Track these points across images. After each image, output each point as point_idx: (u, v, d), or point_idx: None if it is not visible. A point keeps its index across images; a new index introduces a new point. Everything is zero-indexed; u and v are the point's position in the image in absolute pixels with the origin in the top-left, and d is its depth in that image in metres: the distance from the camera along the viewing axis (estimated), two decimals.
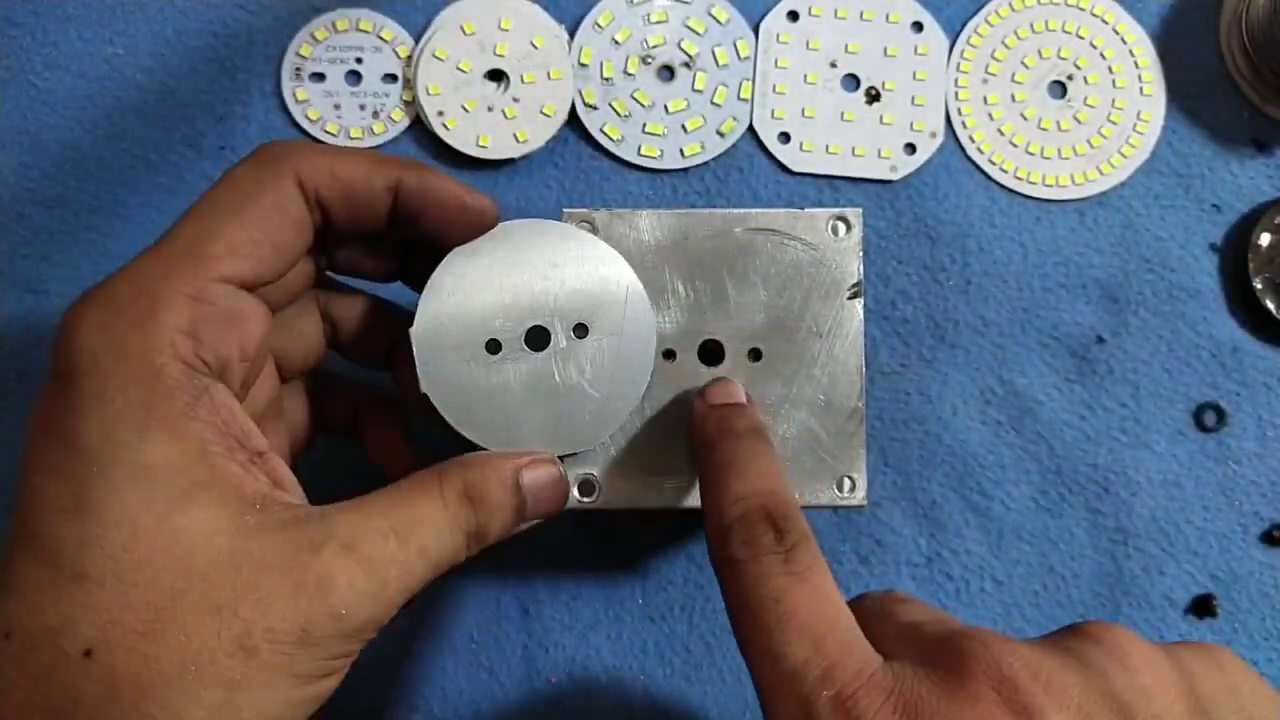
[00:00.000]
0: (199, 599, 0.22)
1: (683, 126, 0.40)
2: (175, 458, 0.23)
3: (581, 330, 0.30)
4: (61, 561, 0.22)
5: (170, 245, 0.24)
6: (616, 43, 0.40)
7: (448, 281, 0.29)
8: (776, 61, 0.40)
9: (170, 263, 0.24)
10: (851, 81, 0.41)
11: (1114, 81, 0.41)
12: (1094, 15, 0.41)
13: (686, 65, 0.40)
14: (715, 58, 0.40)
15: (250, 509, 0.23)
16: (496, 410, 0.29)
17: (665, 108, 0.40)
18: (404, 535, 0.25)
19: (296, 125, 0.40)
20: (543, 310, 0.29)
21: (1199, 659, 0.23)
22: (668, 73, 0.40)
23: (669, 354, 0.32)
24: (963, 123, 0.40)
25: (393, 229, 0.29)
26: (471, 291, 0.29)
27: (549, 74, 0.40)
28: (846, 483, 0.32)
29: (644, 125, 0.40)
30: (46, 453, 0.22)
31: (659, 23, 0.40)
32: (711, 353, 0.32)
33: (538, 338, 0.30)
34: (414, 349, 0.29)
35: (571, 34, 0.40)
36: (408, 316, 0.29)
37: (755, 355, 0.32)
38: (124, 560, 0.22)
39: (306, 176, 0.26)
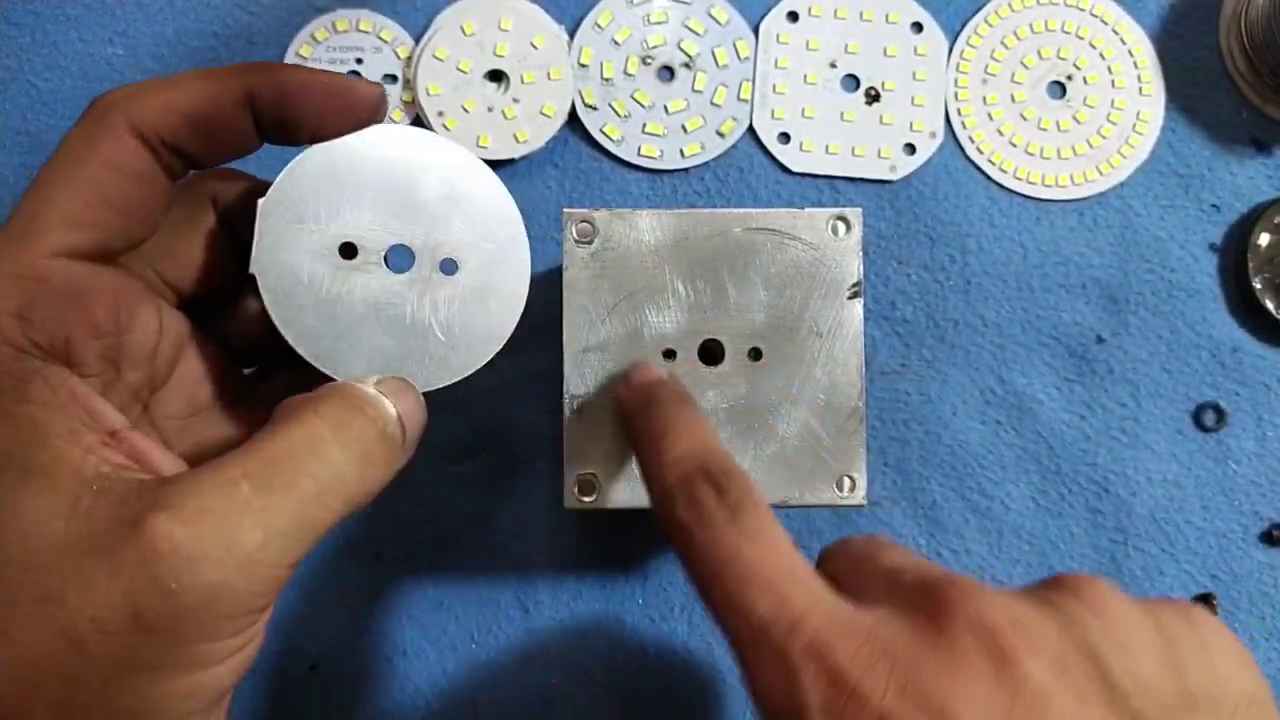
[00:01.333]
0: (32, 590, 0.20)
1: (683, 127, 0.40)
2: (5, 444, 0.21)
3: (450, 266, 0.26)
4: None
5: (3, 228, 0.22)
6: (616, 43, 0.40)
7: (320, 161, 0.25)
8: (776, 62, 0.40)
9: (1, 245, 0.22)
10: (851, 82, 0.41)
11: (1113, 82, 0.41)
12: (1093, 15, 0.41)
13: (686, 66, 0.40)
14: (715, 58, 0.40)
15: (87, 490, 0.21)
16: (327, 320, 0.25)
17: (665, 108, 0.40)
18: (261, 480, 0.21)
19: None
20: (415, 231, 0.26)
21: (1175, 617, 0.23)
22: (668, 73, 0.40)
23: (669, 354, 0.32)
24: (962, 123, 0.40)
25: (273, 140, 0.25)
26: (345, 181, 0.25)
27: (549, 74, 0.40)
28: (846, 482, 0.32)
29: (644, 125, 0.40)
30: None
31: (659, 23, 0.40)
32: (711, 353, 0.32)
33: (400, 258, 0.26)
34: (257, 218, 0.25)
35: (571, 34, 0.40)
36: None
37: (755, 355, 0.32)
38: None
39: (140, 121, 0.23)
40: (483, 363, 0.27)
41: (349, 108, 0.25)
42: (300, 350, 0.25)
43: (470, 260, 0.27)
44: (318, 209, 0.25)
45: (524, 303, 0.27)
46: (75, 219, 0.23)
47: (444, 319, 0.26)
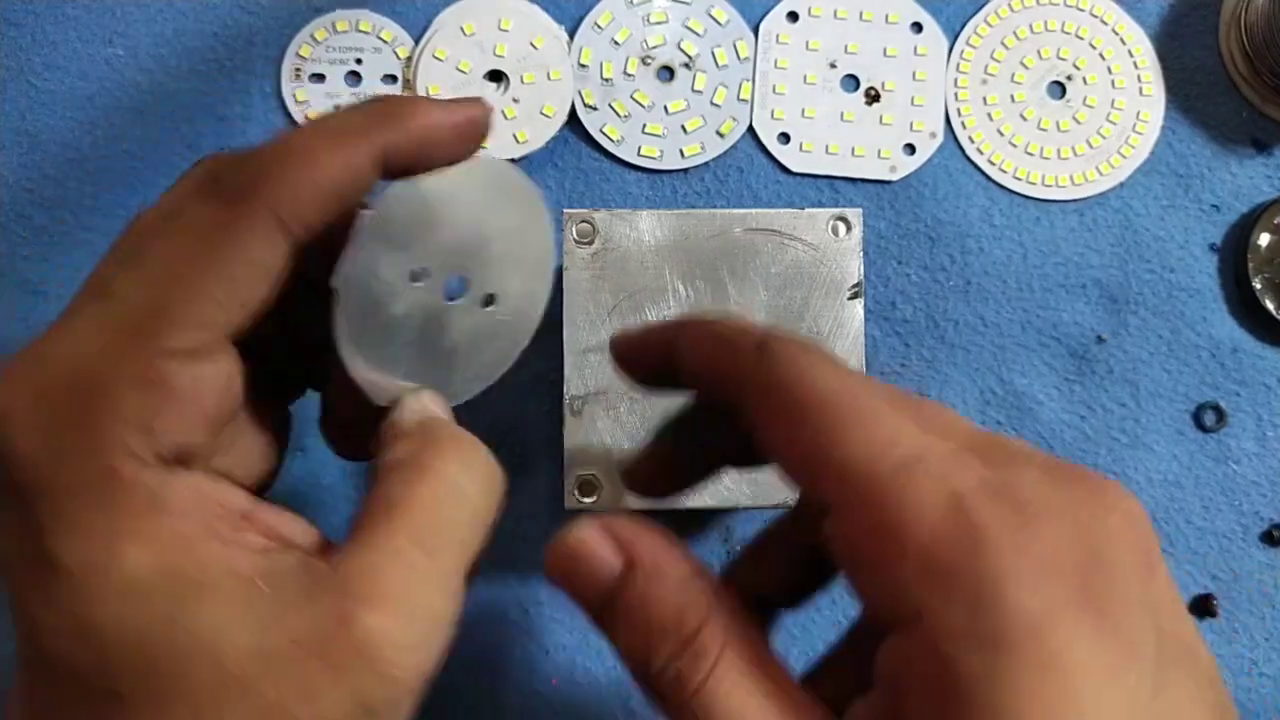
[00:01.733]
0: (246, 708, 0.20)
1: (682, 127, 0.40)
2: (154, 563, 0.20)
3: (489, 300, 0.26)
4: (92, 684, 0.20)
5: (114, 314, 0.20)
6: (616, 43, 0.40)
7: (429, 186, 0.24)
8: (776, 62, 0.40)
9: (115, 340, 0.20)
10: (851, 82, 0.41)
11: (1113, 82, 0.41)
12: (1093, 15, 0.41)
13: (686, 66, 0.40)
14: (715, 58, 0.40)
15: (254, 591, 0.20)
16: (383, 341, 0.25)
17: (665, 108, 0.40)
18: (427, 540, 0.21)
19: (296, 126, 0.40)
20: (478, 266, 0.26)
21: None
22: (667, 73, 0.40)
23: None
24: (962, 123, 0.40)
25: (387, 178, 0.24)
26: (438, 210, 0.25)
27: (549, 75, 0.40)
28: None
29: (644, 126, 0.40)
30: (32, 577, 0.20)
31: (659, 23, 0.40)
32: None
33: (456, 287, 0.26)
34: (352, 234, 0.23)
35: (571, 35, 0.40)
36: None
37: None
38: (152, 679, 0.20)
39: (289, 214, 0.21)
40: (460, 399, 0.27)
41: (472, 140, 0.24)
42: (353, 368, 0.25)
43: (510, 299, 0.27)
44: (408, 233, 0.24)
45: (529, 338, 0.27)
46: (205, 320, 0.21)
47: (470, 346, 0.26)
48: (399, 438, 0.23)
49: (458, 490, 0.22)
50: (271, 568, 0.21)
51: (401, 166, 0.23)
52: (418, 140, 0.23)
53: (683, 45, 0.40)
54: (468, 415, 0.39)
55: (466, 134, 0.24)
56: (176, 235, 0.20)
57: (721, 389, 0.23)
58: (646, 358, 0.25)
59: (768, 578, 0.24)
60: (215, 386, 0.21)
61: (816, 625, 0.39)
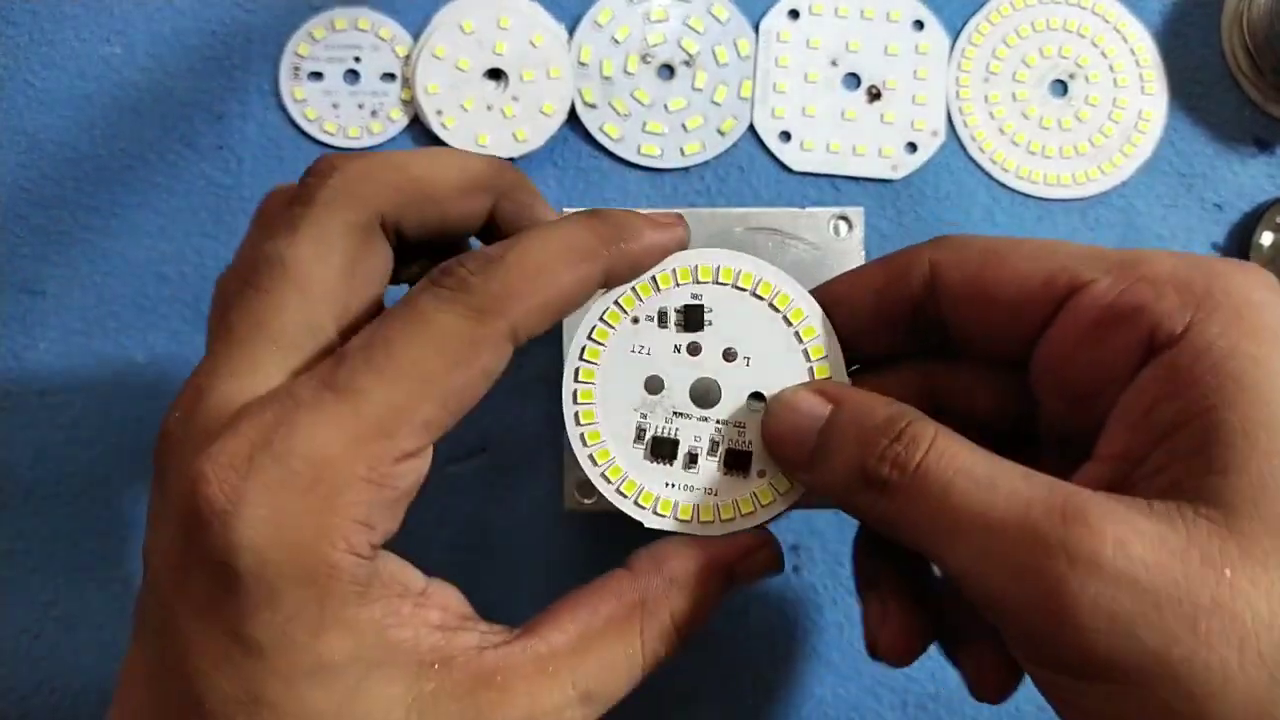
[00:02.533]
0: None
1: (683, 125, 0.40)
2: (351, 649, 0.21)
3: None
4: None
5: (360, 415, 0.21)
6: (616, 41, 0.40)
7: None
8: (777, 60, 0.40)
9: (357, 440, 0.21)
10: (852, 80, 0.41)
11: (1115, 80, 0.41)
12: (1095, 14, 0.41)
13: (687, 64, 0.40)
14: (715, 56, 0.40)
15: (426, 672, 0.21)
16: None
17: (665, 106, 0.40)
18: (590, 695, 0.23)
19: (295, 125, 0.40)
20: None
21: None
22: (668, 71, 0.40)
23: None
24: (964, 121, 0.40)
25: None
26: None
27: (548, 72, 0.40)
28: None
29: (644, 124, 0.40)
30: (215, 643, 0.20)
31: (659, 21, 0.40)
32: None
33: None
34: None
35: (571, 32, 0.40)
36: None
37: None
38: None
39: (522, 328, 0.22)
40: None
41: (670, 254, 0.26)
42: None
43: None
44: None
45: None
46: (435, 424, 0.22)
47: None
48: (652, 584, 0.25)
49: (638, 670, 0.24)
50: (446, 648, 0.22)
51: (615, 279, 0.25)
52: (633, 263, 0.25)
53: (683, 43, 0.40)
54: (468, 415, 0.39)
55: (668, 253, 0.25)
56: (425, 343, 0.21)
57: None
58: (887, 309, 0.26)
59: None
60: (421, 478, 0.22)
61: (817, 626, 0.39)
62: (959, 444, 0.22)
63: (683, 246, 0.26)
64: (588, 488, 0.31)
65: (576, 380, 0.26)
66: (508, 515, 0.39)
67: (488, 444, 0.39)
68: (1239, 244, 0.40)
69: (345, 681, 0.21)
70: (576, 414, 0.26)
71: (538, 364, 0.39)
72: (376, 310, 0.24)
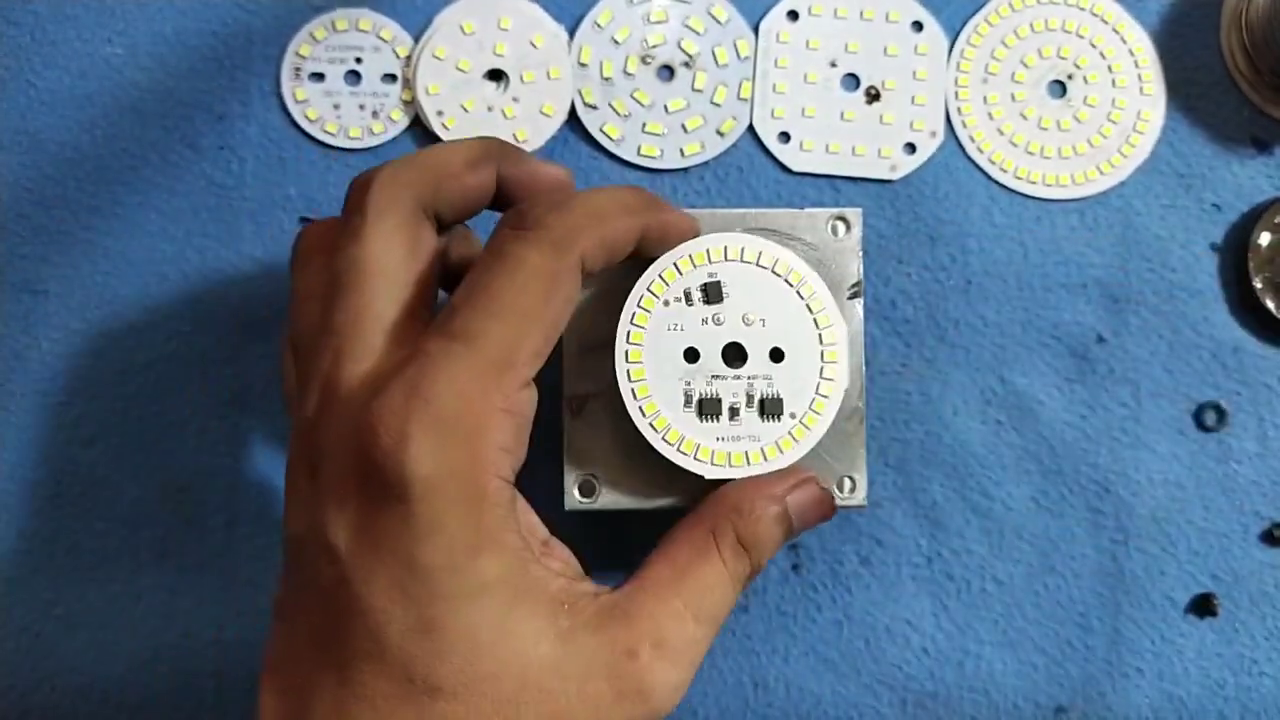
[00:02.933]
0: (536, 709, 0.23)
1: (682, 126, 0.40)
2: (502, 571, 0.24)
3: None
4: (414, 675, 0.23)
5: (482, 352, 0.24)
6: (616, 42, 0.40)
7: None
8: (776, 61, 0.40)
9: (487, 376, 0.24)
10: (851, 81, 0.41)
11: (1114, 81, 0.41)
12: (1094, 15, 0.41)
13: (686, 65, 0.40)
14: (715, 57, 0.40)
15: (561, 610, 0.24)
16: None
17: (665, 107, 0.40)
18: (699, 612, 0.26)
19: (296, 125, 0.40)
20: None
21: None
22: (667, 72, 0.40)
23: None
24: (963, 122, 0.40)
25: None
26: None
27: (548, 74, 0.40)
28: (847, 483, 0.32)
29: (644, 125, 0.40)
30: (388, 573, 0.23)
31: (659, 22, 0.40)
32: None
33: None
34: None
35: (571, 34, 0.40)
36: None
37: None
38: (470, 674, 0.23)
39: (588, 259, 0.26)
40: None
41: (689, 237, 0.30)
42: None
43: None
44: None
45: None
46: (541, 353, 0.25)
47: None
48: (718, 514, 0.28)
49: (722, 589, 0.27)
50: (572, 592, 0.25)
51: (648, 242, 0.29)
52: (665, 228, 0.29)
53: (683, 44, 0.40)
54: None
55: (687, 236, 0.30)
56: (522, 281, 0.25)
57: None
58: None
59: None
60: (535, 408, 0.26)
61: (816, 625, 0.39)
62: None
63: (697, 234, 0.30)
64: (588, 487, 0.31)
65: (628, 361, 0.30)
66: None
67: None
68: (1237, 244, 0.40)
69: (499, 606, 0.24)
70: (633, 389, 0.30)
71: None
72: (439, 283, 0.28)
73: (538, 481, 0.39)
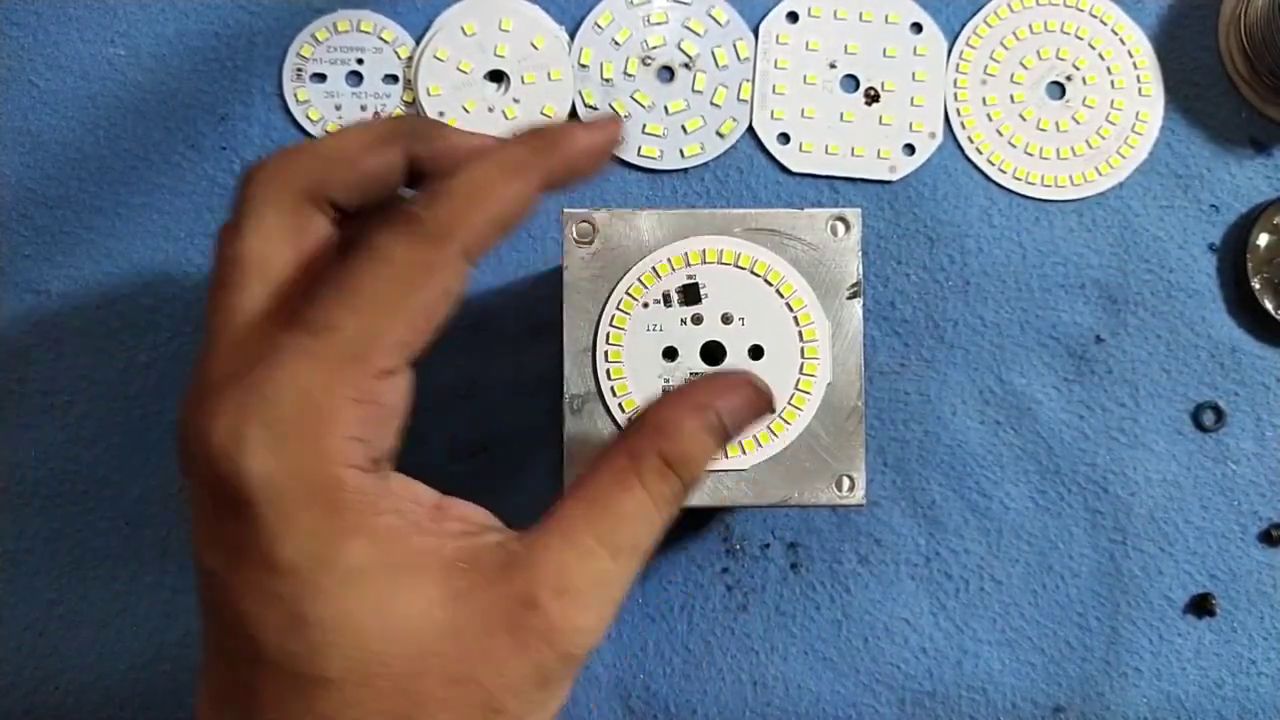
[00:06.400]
0: (438, 676, 0.23)
1: (683, 127, 0.40)
2: (374, 554, 0.23)
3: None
4: (298, 672, 0.22)
5: (331, 344, 0.23)
6: (616, 44, 0.40)
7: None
8: (776, 62, 0.41)
9: (334, 367, 0.23)
10: (851, 82, 0.41)
11: (1113, 82, 0.41)
12: (1093, 16, 0.41)
13: (686, 66, 0.40)
14: (715, 59, 0.40)
15: (456, 572, 0.24)
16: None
17: (665, 108, 0.40)
18: (615, 545, 0.24)
19: (298, 126, 0.40)
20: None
21: None
22: (667, 74, 0.41)
23: (670, 352, 0.32)
24: (961, 123, 0.41)
25: None
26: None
27: (549, 75, 0.40)
28: (846, 482, 0.32)
29: (644, 126, 0.40)
30: (251, 578, 0.23)
31: (659, 24, 0.40)
32: (713, 352, 0.32)
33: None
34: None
35: (572, 35, 0.41)
36: None
37: (756, 353, 0.32)
38: (357, 659, 0.22)
39: (472, 249, 0.24)
40: None
41: (609, 155, 0.27)
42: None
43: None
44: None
45: None
46: (406, 344, 0.24)
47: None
48: (639, 436, 0.26)
49: (649, 517, 0.25)
50: (471, 549, 0.24)
51: (557, 187, 0.26)
52: (570, 165, 0.26)
53: (683, 45, 0.40)
54: (464, 414, 0.39)
55: (605, 152, 0.27)
56: (383, 273, 0.23)
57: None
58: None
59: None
60: (406, 396, 0.25)
61: (815, 624, 0.39)
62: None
63: (617, 142, 0.27)
64: None
65: (608, 361, 0.31)
66: (508, 515, 0.39)
67: (488, 443, 0.39)
68: (1235, 245, 0.40)
69: (377, 586, 0.23)
70: (612, 388, 0.31)
71: (538, 364, 0.39)
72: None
73: (538, 481, 0.39)
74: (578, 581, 0.24)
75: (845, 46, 0.41)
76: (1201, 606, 0.39)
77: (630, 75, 0.40)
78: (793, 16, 0.41)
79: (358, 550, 0.23)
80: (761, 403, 0.27)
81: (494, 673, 0.23)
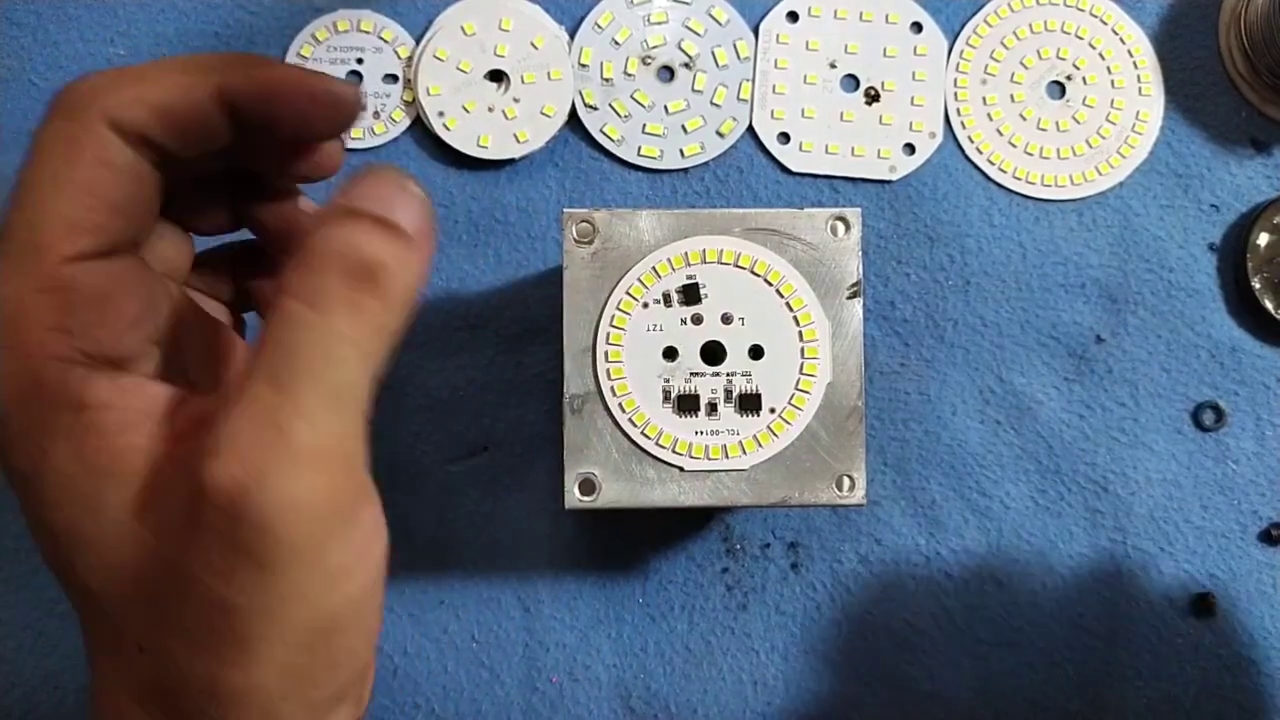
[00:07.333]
0: (153, 585, 0.21)
1: (682, 127, 0.40)
2: (76, 458, 0.21)
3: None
4: (70, 582, 0.22)
5: (6, 247, 0.22)
6: (616, 43, 0.40)
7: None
8: (776, 62, 0.41)
9: (15, 264, 0.22)
10: (851, 82, 0.41)
11: (1113, 82, 0.41)
12: (1093, 15, 0.41)
13: (686, 66, 0.40)
14: (715, 58, 0.40)
15: (160, 473, 0.21)
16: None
17: (665, 108, 0.40)
18: (279, 381, 0.20)
19: None
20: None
21: None
22: (668, 73, 0.41)
23: (671, 352, 0.32)
24: (962, 123, 0.41)
25: (249, 151, 0.25)
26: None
27: (549, 74, 0.40)
28: (846, 482, 0.32)
29: (644, 126, 0.40)
30: (12, 488, 0.22)
31: (659, 23, 0.40)
32: (713, 352, 0.32)
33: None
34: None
35: (572, 35, 0.41)
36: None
37: (756, 353, 0.32)
38: (97, 566, 0.21)
39: (118, 117, 0.22)
40: None
41: (332, 115, 0.24)
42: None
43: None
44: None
45: None
46: (79, 223, 0.22)
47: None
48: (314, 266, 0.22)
49: (368, 338, 0.21)
50: (180, 456, 0.21)
51: (253, 113, 0.23)
52: (262, 89, 0.23)
53: (683, 45, 0.40)
54: (464, 414, 0.39)
55: (323, 103, 0.24)
56: (34, 157, 0.22)
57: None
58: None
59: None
60: (126, 284, 0.23)
61: (815, 624, 0.39)
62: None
63: (340, 101, 0.24)
64: (588, 486, 0.32)
65: (608, 360, 0.31)
66: (508, 514, 0.39)
67: (488, 443, 0.39)
68: (1235, 245, 0.40)
69: (83, 490, 0.21)
70: (612, 388, 0.31)
71: (538, 364, 0.39)
72: (142, 209, 0.24)
73: (538, 481, 0.39)
74: (239, 436, 0.20)
75: (845, 46, 0.41)
76: (1202, 606, 0.39)
77: (630, 75, 0.40)
78: (793, 16, 0.41)
79: (61, 453, 0.21)
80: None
81: (201, 568, 0.20)
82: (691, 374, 0.31)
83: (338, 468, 0.20)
